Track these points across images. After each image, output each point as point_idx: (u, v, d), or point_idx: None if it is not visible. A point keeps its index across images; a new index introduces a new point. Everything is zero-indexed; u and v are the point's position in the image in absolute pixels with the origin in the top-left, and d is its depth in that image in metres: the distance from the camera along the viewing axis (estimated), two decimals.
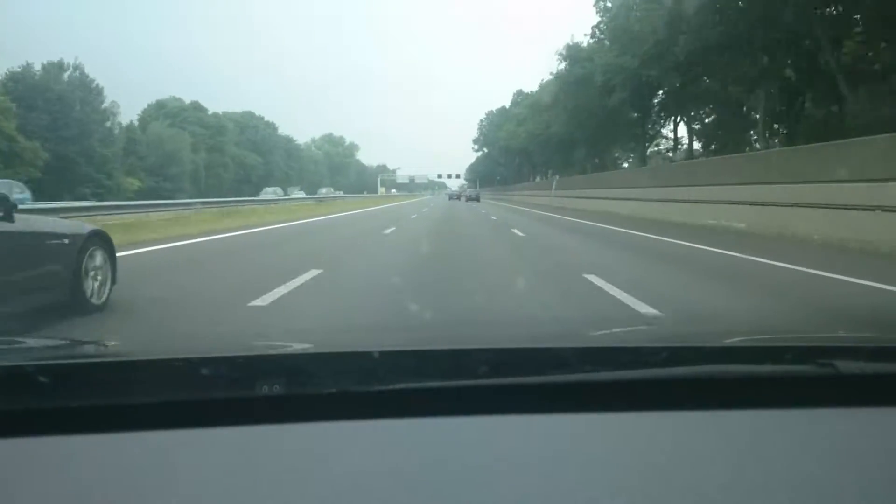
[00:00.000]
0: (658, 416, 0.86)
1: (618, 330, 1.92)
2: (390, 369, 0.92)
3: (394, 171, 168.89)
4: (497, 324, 3.02)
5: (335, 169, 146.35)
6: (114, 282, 4.89)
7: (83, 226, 4.96)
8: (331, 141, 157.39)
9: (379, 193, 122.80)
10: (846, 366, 0.94)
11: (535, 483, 0.71)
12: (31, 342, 1.36)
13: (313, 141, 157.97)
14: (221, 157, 77.21)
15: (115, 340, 1.49)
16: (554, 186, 48.00)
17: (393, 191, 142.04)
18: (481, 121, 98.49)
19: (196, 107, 79.91)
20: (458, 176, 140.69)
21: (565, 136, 50.51)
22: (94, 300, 4.58)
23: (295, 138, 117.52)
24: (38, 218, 4.91)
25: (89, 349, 1.28)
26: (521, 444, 0.79)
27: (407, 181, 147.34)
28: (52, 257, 4.22)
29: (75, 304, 4.33)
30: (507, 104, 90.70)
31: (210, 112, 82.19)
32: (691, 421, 0.86)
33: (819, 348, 1.05)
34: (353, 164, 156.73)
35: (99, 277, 4.72)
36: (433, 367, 0.97)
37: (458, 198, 72.80)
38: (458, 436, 0.82)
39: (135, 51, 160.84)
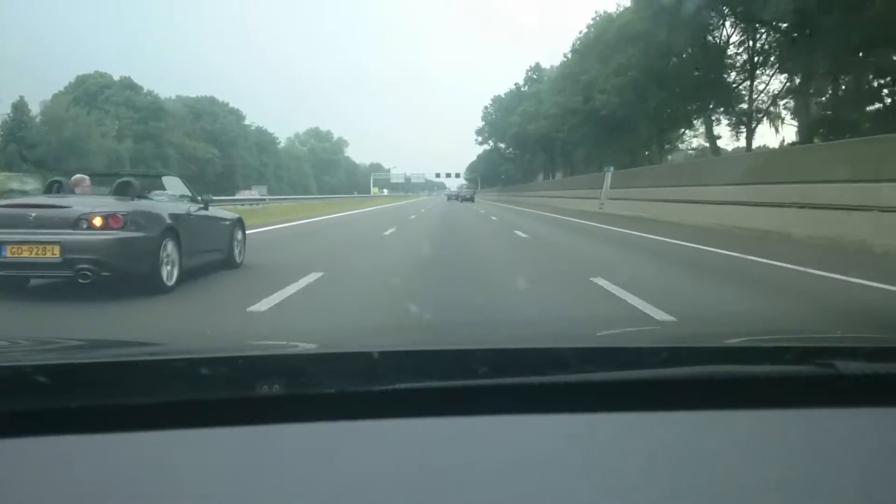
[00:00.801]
0: (658, 416, 0.93)
1: (618, 330, 1.94)
2: (390, 369, 0.99)
3: (388, 171, 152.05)
4: (497, 324, 3.10)
5: (321, 167, 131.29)
6: (244, 250, 9.04)
7: (232, 213, 9.27)
8: (317, 136, 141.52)
9: (371, 194, 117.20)
10: (846, 366, 1.00)
11: (534, 483, 0.76)
12: (31, 342, 1.43)
13: (297, 136, 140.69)
14: (157, 148, 58.52)
15: (115, 340, 1.58)
16: (607, 185, 28.89)
17: (384, 191, 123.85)
18: (486, 108, 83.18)
19: (126, 84, 63.59)
20: (457, 175, 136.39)
21: (620, 108, 31.24)
22: (237, 260, 8.71)
23: (272, 131, 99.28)
24: (214, 208, 8.66)
25: (89, 349, 1.34)
26: (522, 445, 0.86)
27: (402, 181, 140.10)
28: (222, 232, 8.30)
29: (229, 262, 8.38)
30: (520, 83, 71.79)
31: (146, 91, 62.57)
32: (691, 421, 0.93)
33: (819, 348, 1.12)
34: (341, 162, 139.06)
35: (239, 247, 8.81)
36: (433, 367, 1.04)
37: (458, 198, 72.63)
38: (459, 436, 0.88)
39: (133, 50, 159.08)
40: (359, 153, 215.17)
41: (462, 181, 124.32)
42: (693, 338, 1.47)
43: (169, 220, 6.53)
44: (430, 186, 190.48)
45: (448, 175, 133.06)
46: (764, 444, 0.86)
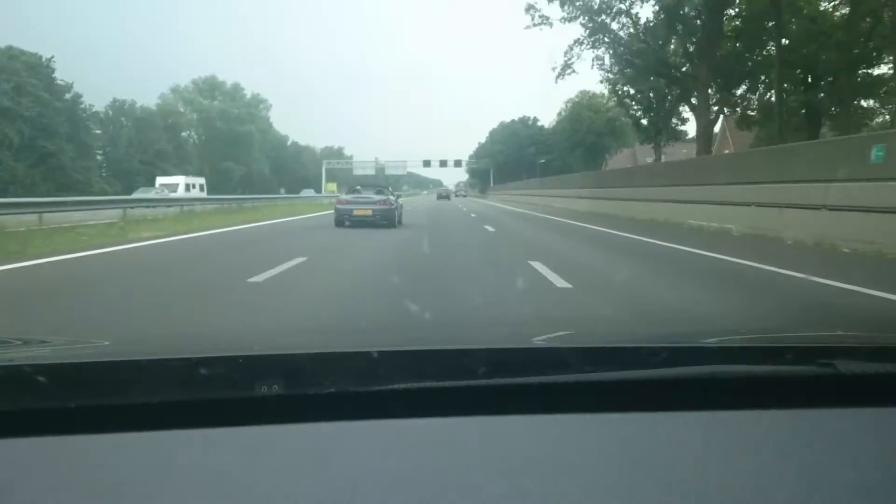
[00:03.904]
0: (658, 416, 0.95)
1: (618, 330, 1.96)
2: (389, 369, 1.00)
3: (350, 158, 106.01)
4: (496, 323, 3.09)
5: (221, 144, 65.16)
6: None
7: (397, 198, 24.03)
8: (213, 91, 73.57)
9: (325, 191, 70.85)
10: (846, 366, 1.02)
11: (533, 483, 0.77)
12: (31, 342, 1.44)
13: (175, 91, 73.34)
14: None
15: (114, 340, 1.57)
16: None
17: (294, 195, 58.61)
18: None
19: None
20: (457, 164, 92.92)
21: None
22: (402, 222, 22.37)
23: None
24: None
25: (89, 349, 1.35)
26: (521, 445, 0.88)
27: (372, 171, 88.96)
28: (398, 208, 21.89)
29: (400, 221, 21.90)
30: None
31: None
32: (691, 421, 0.95)
33: (819, 348, 1.14)
34: (255, 137, 73.13)
35: (403, 216, 23.31)
36: (432, 366, 1.05)
37: (447, 197, 65.72)
38: (457, 436, 0.91)
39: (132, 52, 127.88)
40: (328, 140, 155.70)
41: (464, 174, 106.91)
42: (693, 338, 1.45)
43: (398, 203, 20.61)
44: (415, 181, 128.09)
45: (443, 163, 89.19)
46: (764, 444, 0.87)
